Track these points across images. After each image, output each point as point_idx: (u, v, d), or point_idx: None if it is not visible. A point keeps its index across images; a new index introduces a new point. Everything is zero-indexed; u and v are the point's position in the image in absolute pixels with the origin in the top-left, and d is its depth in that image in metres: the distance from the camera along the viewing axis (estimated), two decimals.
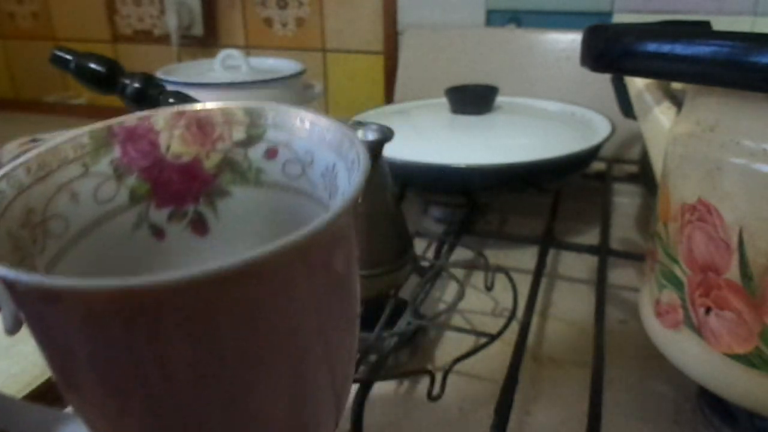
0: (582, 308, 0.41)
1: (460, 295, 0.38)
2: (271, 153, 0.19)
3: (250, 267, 0.11)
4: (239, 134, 0.19)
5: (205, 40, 0.91)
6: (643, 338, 0.33)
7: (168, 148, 0.19)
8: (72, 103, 1.00)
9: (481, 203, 0.52)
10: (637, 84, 0.34)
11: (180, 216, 0.20)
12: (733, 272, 0.24)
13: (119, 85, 0.38)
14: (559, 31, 0.69)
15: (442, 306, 0.42)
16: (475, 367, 0.35)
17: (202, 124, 0.19)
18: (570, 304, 0.42)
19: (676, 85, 0.34)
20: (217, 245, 0.21)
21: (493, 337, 0.34)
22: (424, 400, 0.30)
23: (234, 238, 0.20)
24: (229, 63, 0.70)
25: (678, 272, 0.27)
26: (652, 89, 0.33)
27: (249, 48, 0.90)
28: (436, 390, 0.30)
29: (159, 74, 0.66)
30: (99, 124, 0.19)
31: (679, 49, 0.23)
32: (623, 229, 0.53)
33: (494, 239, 0.50)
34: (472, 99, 0.55)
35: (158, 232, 0.20)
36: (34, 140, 0.76)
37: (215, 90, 0.62)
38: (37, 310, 0.13)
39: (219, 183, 0.20)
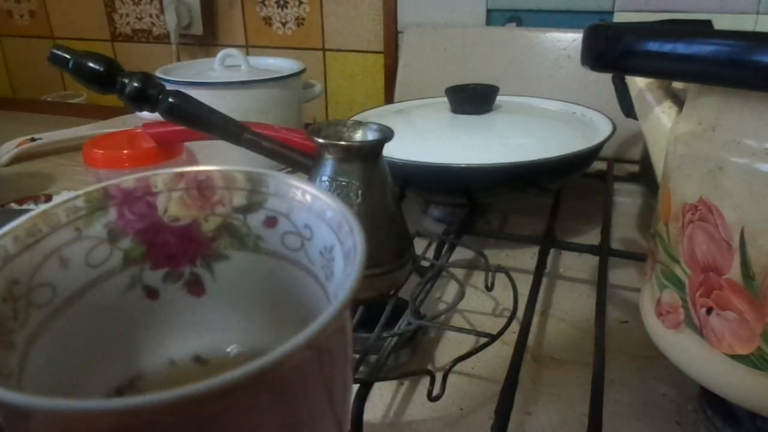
0: (582, 308, 0.41)
1: (460, 295, 0.38)
2: (270, 222, 0.19)
3: (220, 389, 0.11)
4: (240, 200, 0.19)
5: (205, 39, 0.91)
6: (644, 338, 0.33)
7: (165, 210, 0.19)
8: (70, 102, 1.00)
9: (482, 203, 0.52)
10: (638, 83, 0.34)
11: (175, 277, 0.20)
12: (734, 272, 0.24)
13: (118, 84, 0.38)
14: (559, 30, 0.68)
15: (442, 306, 0.41)
16: (475, 367, 0.35)
17: (202, 188, 0.19)
18: (570, 304, 0.42)
19: (677, 85, 0.33)
20: (213, 305, 0.20)
21: (493, 337, 0.34)
22: (424, 400, 0.30)
23: (230, 299, 0.20)
24: (228, 62, 0.70)
25: (679, 272, 0.27)
26: (653, 89, 0.33)
27: (248, 47, 0.90)
28: (436, 390, 0.30)
29: (158, 73, 0.66)
30: (94, 188, 0.18)
31: (681, 48, 0.23)
32: (624, 229, 0.53)
33: (494, 239, 0.49)
34: (472, 98, 0.55)
35: (152, 293, 0.19)
36: (32, 139, 0.76)
37: (214, 89, 0.62)
38: (10, 419, 0.12)
39: (216, 246, 0.19)
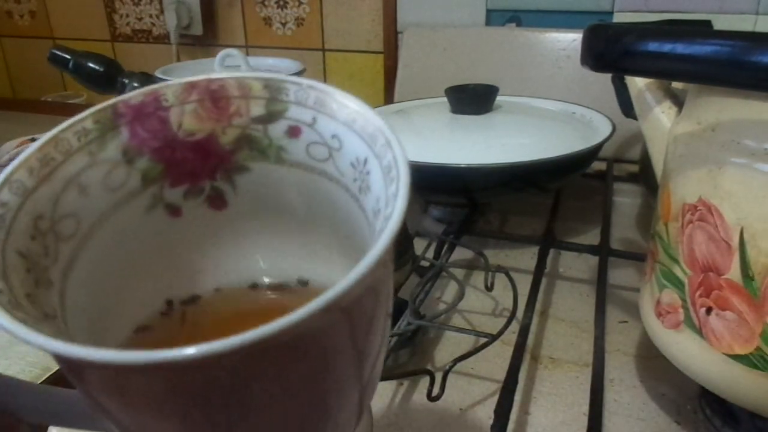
0: (582, 308, 0.41)
1: (460, 295, 0.38)
2: (293, 132, 0.17)
3: (287, 332, 0.11)
4: (258, 109, 0.17)
5: (205, 39, 0.91)
6: (643, 338, 0.33)
7: (180, 125, 0.17)
8: (71, 103, 1.00)
9: (481, 203, 0.52)
10: (637, 83, 0.34)
11: (196, 192, 0.19)
12: (734, 272, 0.24)
13: (118, 84, 0.38)
14: (559, 30, 0.68)
15: (442, 306, 0.41)
16: (475, 367, 0.35)
17: (216, 98, 0.17)
18: (570, 304, 0.42)
19: (676, 85, 0.33)
20: (236, 219, 0.19)
21: (493, 337, 0.34)
22: (424, 400, 0.30)
23: (253, 212, 0.19)
24: (228, 62, 0.70)
25: (679, 272, 0.27)
26: (652, 89, 0.33)
27: (248, 47, 0.90)
28: (436, 390, 0.30)
29: (158, 74, 0.66)
30: (101, 106, 0.17)
31: (680, 48, 0.23)
32: (624, 229, 0.53)
33: (494, 239, 0.50)
34: (472, 99, 0.55)
35: (174, 211, 0.19)
36: (32, 140, 0.76)
37: None
38: (72, 369, 0.13)
39: (237, 159, 0.18)
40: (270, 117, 0.17)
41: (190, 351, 0.10)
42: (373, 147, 0.15)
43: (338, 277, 0.19)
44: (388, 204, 0.14)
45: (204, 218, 0.19)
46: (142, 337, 0.19)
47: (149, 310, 0.19)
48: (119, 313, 0.18)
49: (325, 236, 0.19)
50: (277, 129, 0.17)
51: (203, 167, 0.18)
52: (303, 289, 0.20)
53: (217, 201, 0.19)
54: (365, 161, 0.16)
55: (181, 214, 0.19)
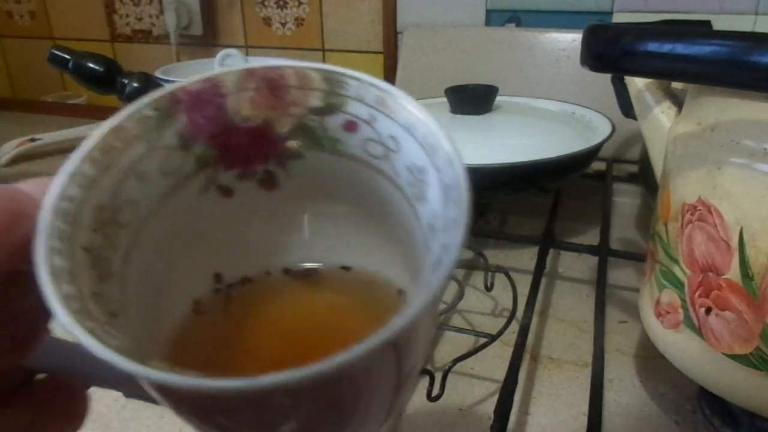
0: (582, 308, 0.41)
1: (460, 295, 0.38)
2: (350, 126, 0.17)
3: (345, 368, 0.12)
4: (316, 101, 0.17)
5: (204, 39, 0.91)
6: (643, 338, 0.33)
7: (237, 112, 0.17)
8: (70, 103, 1.00)
9: (481, 203, 0.52)
10: (637, 84, 0.34)
11: (249, 175, 0.19)
12: (733, 272, 0.24)
13: (118, 84, 0.38)
14: (559, 30, 0.69)
15: (442, 306, 0.42)
16: (475, 367, 0.35)
17: (273, 87, 0.17)
18: (570, 304, 0.42)
19: (676, 85, 0.33)
20: (286, 200, 0.19)
21: (493, 337, 0.34)
22: (424, 400, 0.30)
23: (303, 195, 0.19)
24: (228, 62, 0.70)
25: (678, 272, 0.27)
26: (652, 89, 0.33)
27: (248, 47, 0.90)
28: (436, 390, 0.30)
29: (158, 74, 0.66)
30: (160, 93, 0.17)
31: (680, 48, 0.23)
32: (623, 229, 0.53)
33: (494, 239, 0.50)
34: (472, 99, 0.55)
35: (226, 191, 0.19)
36: (32, 140, 0.76)
37: None
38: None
39: (291, 146, 0.18)
40: (327, 109, 0.17)
41: (262, 381, 0.11)
42: (432, 159, 0.15)
43: (380, 266, 0.19)
44: (447, 230, 0.14)
45: (255, 198, 0.19)
46: (200, 320, 0.19)
47: (201, 290, 0.20)
48: (173, 293, 0.19)
49: (372, 227, 0.19)
50: (334, 121, 0.17)
51: (257, 152, 0.18)
52: (346, 273, 0.21)
53: (269, 183, 0.19)
54: (422, 170, 0.16)
55: (233, 194, 0.19)
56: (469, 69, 0.71)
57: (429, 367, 0.35)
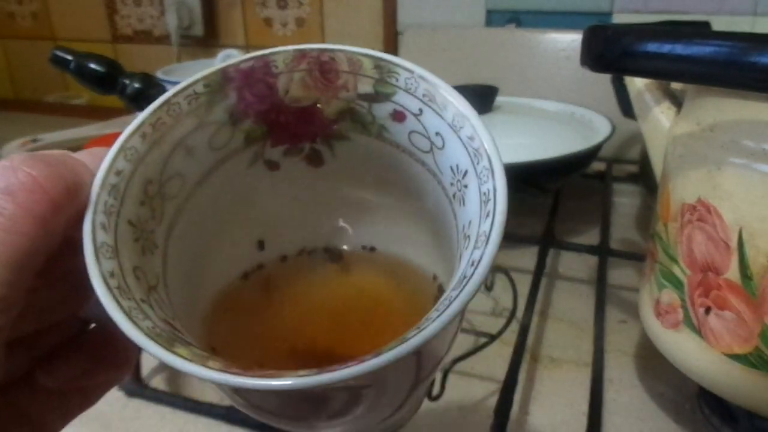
0: (582, 308, 0.41)
1: None
2: (398, 116, 0.17)
3: (371, 373, 0.12)
4: (365, 87, 0.17)
5: (205, 40, 0.91)
6: (642, 338, 0.33)
7: (287, 91, 0.17)
8: (72, 104, 1.00)
9: None
10: (636, 84, 0.34)
11: (296, 152, 0.19)
12: (733, 272, 0.24)
13: (119, 85, 0.38)
14: (558, 31, 0.69)
15: None
16: (475, 367, 0.35)
17: (324, 70, 0.17)
18: (570, 304, 0.42)
19: (675, 85, 0.34)
20: (331, 177, 0.20)
21: (493, 337, 0.34)
22: (424, 401, 0.30)
23: (348, 173, 0.20)
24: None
25: (678, 272, 0.27)
26: (651, 89, 0.33)
27: (249, 48, 0.90)
28: (436, 390, 0.30)
29: (159, 74, 0.66)
30: (212, 70, 0.17)
31: (679, 49, 0.23)
32: (623, 229, 0.53)
33: None
34: (472, 99, 0.55)
35: (273, 165, 0.19)
36: (34, 140, 0.76)
37: None
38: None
39: (338, 128, 0.18)
40: (377, 97, 0.17)
41: (301, 380, 0.12)
42: (475, 163, 0.15)
43: (414, 253, 0.20)
44: (479, 243, 0.14)
45: (301, 173, 0.19)
46: (243, 288, 0.20)
47: (246, 259, 0.20)
48: (217, 260, 0.19)
49: (411, 214, 0.20)
50: (382, 109, 0.17)
51: (305, 131, 0.18)
52: (371, 254, 0.21)
53: (315, 159, 0.19)
54: (465, 173, 0.15)
55: (279, 168, 0.19)
56: (469, 69, 0.71)
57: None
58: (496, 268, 0.40)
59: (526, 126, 0.55)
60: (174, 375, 0.35)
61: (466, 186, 0.15)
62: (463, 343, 0.37)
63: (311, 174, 0.20)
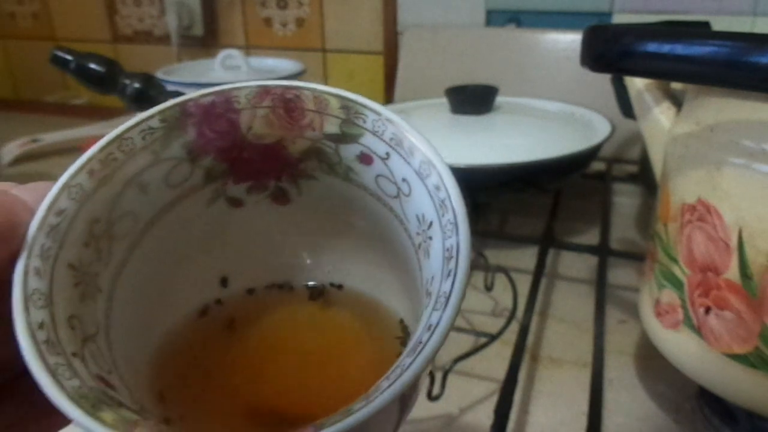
0: (582, 308, 0.41)
1: None
2: (365, 159, 0.17)
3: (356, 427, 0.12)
4: (332, 128, 0.17)
5: (205, 40, 0.91)
6: (642, 338, 0.33)
7: (249, 128, 0.17)
8: (72, 104, 1.00)
9: (481, 203, 0.52)
10: (636, 84, 0.34)
11: (261, 189, 0.18)
12: (732, 272, 0.24)
13: (119, 85, 0.38)
14: (558, 31, 0.69)
15: None
16: (475, 367, 0.35)
17: (289, 108, 0.17)
18: (570, 304, 0.42)
19: (675, 85, 0.34)
20: (297, 214, 0.19)
21: (493, 337, 0.34)
22: (424, 400, 0.30)
23: (314, 211, 0.19)
24: (229, 63, 0.70)
25: (678, 272, 0.27)
26: (651, 89, 0.33)
27: (249, 48, 0.90)
28: (436, 390, 0.30)
29: (159, 74, 0.66)
30: (169, 104, 0.16)
31: (679, 49, 0.23)
32: (623, 229, 0.53)
33: (494, 239, 0.50)
34: (472, 99, 0.56)
35: (236, 203, 0.18)
36: (34, 140, 0.76)
37: None
38: None
39: (304, 167, 0.18)
40: (343, 138, 0.17)
41: None
42: (440, 215, 0.14)
43: (380, 293, 0.19)
44: (438, 304, 0.13)
45: (266, 211, 0.19)
46: (201, 325, 0.19)
47: (206, 296, 0.19)
48: (174, 299, 0.18)
49: (378, 256, 0.19)
50: (349, 151, 0.17)
51: (269, 169, 0.18)
52: (339, 292, 0.20)
53: (281, 197, 0.19)
54: (430, 224, 0.15)
55: (243, 205, 0.19)
56: (469, 69, 0.71)
57: (429, 366, 0.35)
58: (496, 268, 0.40)
59: (526, 126, 0.55)
60: None
61: (430, 238, 0.15)
62: (463, 343, 0.37)
63: (277, 212, 0.19)
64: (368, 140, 0.16)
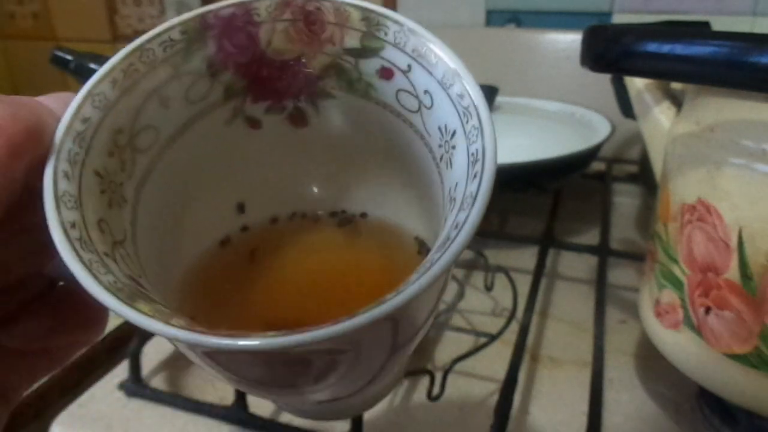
0: (582, 308, 0.41)
1: (460, 295, 0.38)
2: (385, 73, 0.16)
3: (346, 335, 0.12)
4: (352, 41, 0.16)
5: None
6: (642, 338, 0.33)
7: (269, 43, 0.17)
8: None
9: None
10: (636, 84, 0.34)
11: (278, 110, 0.18)
12: (732, 272, 0.24)
13: None
14: (558, 31, 0.69)
15: (442, 306, 0.42)
16: (475, 367, 0.35)
17: (310, 21, 0.16)
18: (570, 304, 0.42)
19: (675, 85, 0.34)
20: (314, 137, 0.19)
21: (493, 337, 0.34)
22: (424, 400, 0.30)
23: (332, 133, 0.19)
24: None
25: (678, 272, 0.27)
26: (651, 89, 0.33)
27: None
28: (436, 390, 0.30)
29: None
30: (190, 15, 0.16)
31: (679, 49, 0.23)
32: (623, 229, 0.53)
33: (494, 239, 0.50)
34: None
35: (254, 123, 0.18)
36: None
37: None
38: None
39: (323, 85, 0.18)
40: (363, 52, 0.16)
41: (269, 341, 0.11)
42: (464, 123, 0.14)
43: (398, 215, 0.19)
44: (464, 205, 0.13)
45: (283, 133, 0.19)
46: (223, 254, 0.19)
47: (226, 223, 0.19)
48: (195, 224, 0.18)
49: (395, 176, 0.19)
50: (369, 66, 0.17)
51: (288, 87, 0.18)
52: (365, 220, 0.20)
53: (299, 119, 0.18)
54: (453, 133, 0.15)
55: (261, 126, 0.18)
56: (469, 69, 0.71)
57: (429, 366, 0.35)
58: (496, 268, 0.40)
59: (526, 126, 0.55)
60: (174, 375, 0.35)
61: (454, 147, 0.15)
62: (463, 343, 0.37)
63: (294, 135, 0.19)
64: (389, 53, 0.16)
